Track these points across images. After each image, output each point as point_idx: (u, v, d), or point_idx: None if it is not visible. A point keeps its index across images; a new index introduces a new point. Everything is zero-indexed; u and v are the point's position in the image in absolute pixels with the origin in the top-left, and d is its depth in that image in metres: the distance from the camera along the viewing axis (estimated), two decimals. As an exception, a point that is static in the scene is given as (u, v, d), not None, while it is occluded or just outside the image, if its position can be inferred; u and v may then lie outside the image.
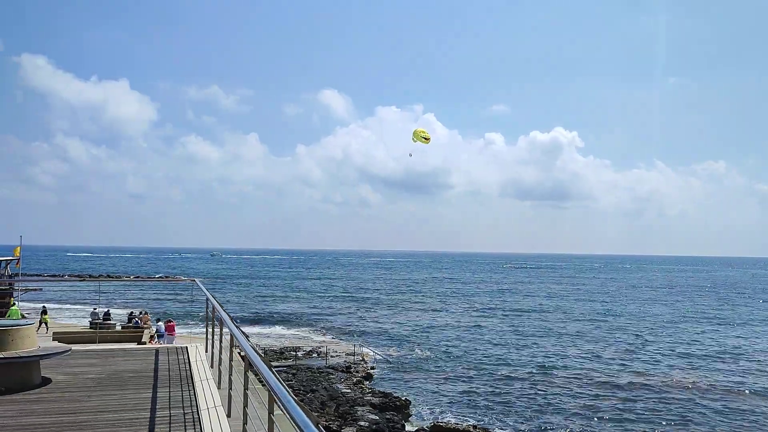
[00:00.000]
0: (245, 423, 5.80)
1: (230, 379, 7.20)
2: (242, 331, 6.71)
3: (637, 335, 52.23)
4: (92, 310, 34.25)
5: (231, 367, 7.26)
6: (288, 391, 4.11)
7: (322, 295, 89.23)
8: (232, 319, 7.75)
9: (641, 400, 30.51)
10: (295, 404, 3.68)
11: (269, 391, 4.22)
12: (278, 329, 53.37)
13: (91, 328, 28.62)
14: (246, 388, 5.93)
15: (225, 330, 8.81)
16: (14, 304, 36.91)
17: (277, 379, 4.51)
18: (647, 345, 47.20)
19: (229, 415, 7.12)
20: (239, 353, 7.50)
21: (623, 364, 39.09)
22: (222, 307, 8.72)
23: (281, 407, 3.75)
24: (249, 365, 6.06)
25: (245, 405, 5.94)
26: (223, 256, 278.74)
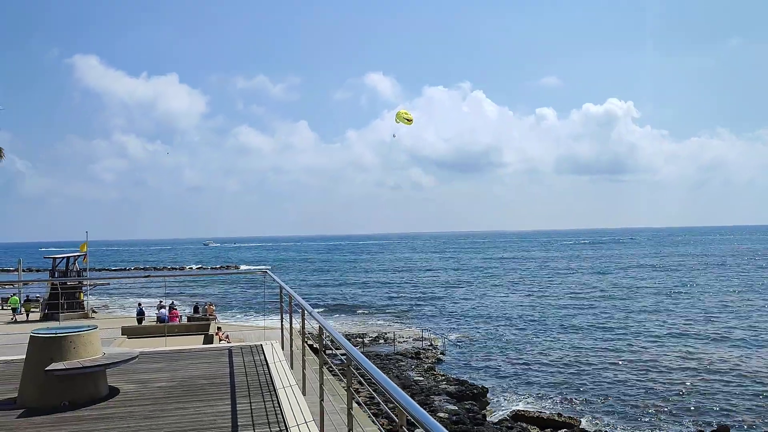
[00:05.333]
0: None
1: (321, 388, 6.04)
2: (327, 327, 5.54)
3: (729, 315, 48.65)
4: (137, 305, 34.37)
5: (322, 374, 6.10)
6: (422, 410, 2.92)
7: (381, 279, 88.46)
8: (315, 312, 6.63)
9: (732, 386, 28.22)
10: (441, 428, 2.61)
11: (396, 405, 3.11)
12: (339, 315, 52.78)
13: (137, 322, 29.04)
14: (352, 398, 4.76)
15: (307, 325, 7.72)
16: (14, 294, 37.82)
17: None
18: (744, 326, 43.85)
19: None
20: (324, 351, 6.29)
21: (714, 347, 36.21)
22: (302, 298, 7.58)
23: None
24: (352, 370, 4.89)
25: (350, 424, 4.77)
26: (215, 244, 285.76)
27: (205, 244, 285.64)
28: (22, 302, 36.77)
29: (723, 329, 41.17)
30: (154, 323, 28.31)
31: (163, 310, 29.78)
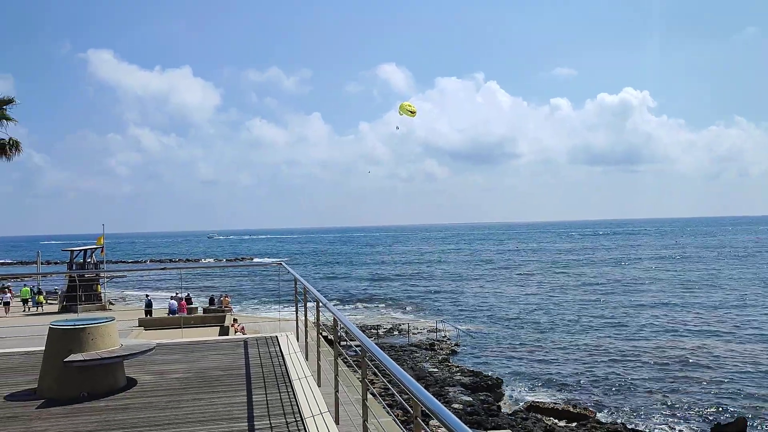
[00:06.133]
0: None
1: (336, 379, 6.07)
2: (339, 316, 5.54)
3: (748, 308, 48.06)
4: (145, 296, 35.00)
5: (337, 365, 6.12)
6: (438, 402, 2.92)
7: (395, 271, 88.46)
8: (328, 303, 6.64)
9: (751, 379, 27.94)
10: (455, 419, 2.57)
11: (411, 397, 3.11)
12: (353, 307, 52.90)
13: (145, 315, 29.40)
14: (367, 389, 4.77)
15: (322, 317, 7.74)
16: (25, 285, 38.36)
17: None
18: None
19: (337, 422, 6.02)
20: (339, 342, 6.31)
21: (732, 341, 35.69)
22: (316, 290, 7.60)
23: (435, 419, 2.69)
24: (366, 361, 4.89)
25: (365, 415, 4.78)
26: (219, 237, 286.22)
27: (209, 237, 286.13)
28: (35, 293, 37.17)
29: (741, 322, 40.75)
30: (165, 315, 28.67)
31: (173, 302, 30.15)
